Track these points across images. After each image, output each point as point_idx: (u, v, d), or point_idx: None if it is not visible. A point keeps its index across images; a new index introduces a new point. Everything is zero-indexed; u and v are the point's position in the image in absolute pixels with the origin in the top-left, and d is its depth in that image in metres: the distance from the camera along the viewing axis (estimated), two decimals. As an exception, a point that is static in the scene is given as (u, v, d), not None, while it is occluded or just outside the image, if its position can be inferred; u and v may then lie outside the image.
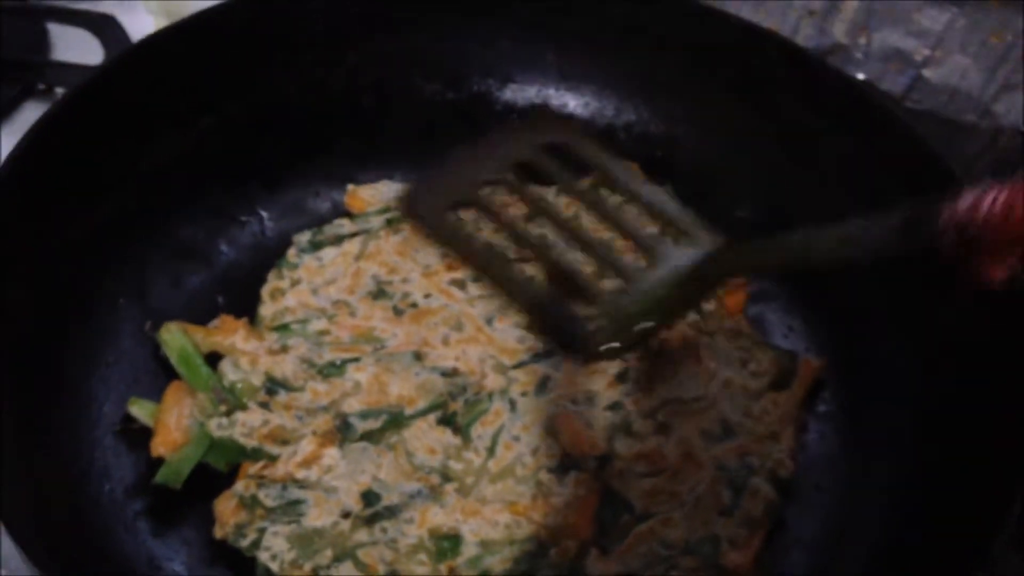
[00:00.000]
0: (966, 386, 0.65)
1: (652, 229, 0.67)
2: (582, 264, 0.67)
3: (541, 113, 0.82)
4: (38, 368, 0.65)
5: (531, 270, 0.67)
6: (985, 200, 0.46)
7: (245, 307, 0.74)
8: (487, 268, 0.67)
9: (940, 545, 0.59)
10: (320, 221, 0.80)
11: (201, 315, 0.73)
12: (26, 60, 0.93)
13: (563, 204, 0.73)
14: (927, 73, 0.84)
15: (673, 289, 0.62)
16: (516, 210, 0.70)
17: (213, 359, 0.71)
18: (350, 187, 0.82)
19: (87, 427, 0.66)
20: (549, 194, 0.73)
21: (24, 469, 0.58)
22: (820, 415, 0.72)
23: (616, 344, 0.62)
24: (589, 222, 0.70)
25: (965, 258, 0.47)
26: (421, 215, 0.68)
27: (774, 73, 0.77)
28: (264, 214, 0.80)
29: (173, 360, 0.70)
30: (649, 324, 0.62)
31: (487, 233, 0.69)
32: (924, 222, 0.48)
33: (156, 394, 0.69)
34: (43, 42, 0.95)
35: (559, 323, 0.64)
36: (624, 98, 0.83)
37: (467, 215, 0.69)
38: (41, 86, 0.92)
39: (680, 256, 0.63)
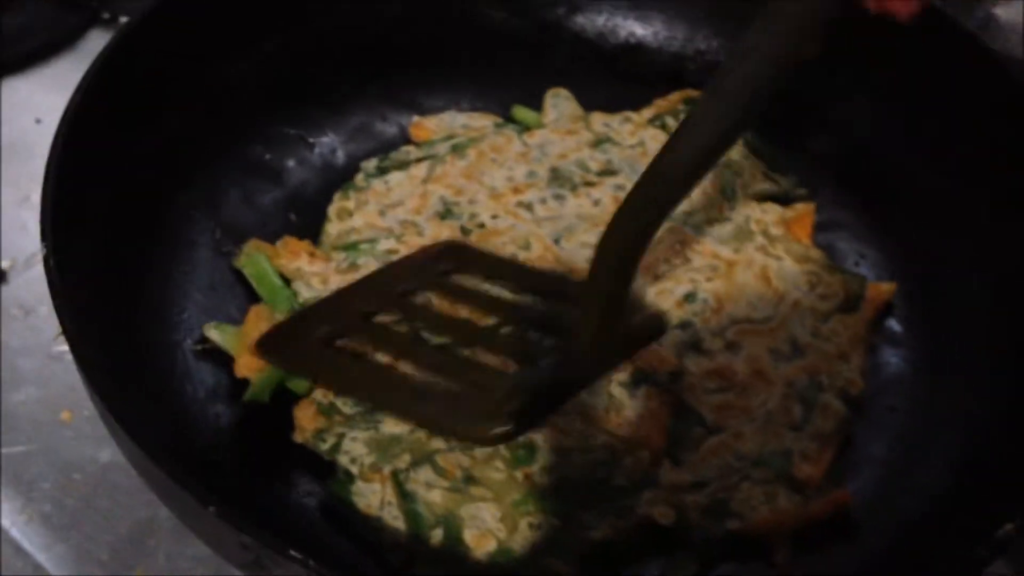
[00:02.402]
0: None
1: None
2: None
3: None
4: (117, 270, 0.66)
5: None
6: None
7: (315, 226, 0.76)
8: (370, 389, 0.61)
9: (1015, 469, 0.59)
10: (387, 145, 0.81)
11: (275, 232, 0.74)
12: (90, -11, 0.94)
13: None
14: (999, 11, 0.84)
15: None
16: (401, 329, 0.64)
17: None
18: (415, 118, 0.82)
19: (168, 331, 0.67)
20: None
21: (111, 357, 0.58)
22: (893, 339, 0.72)
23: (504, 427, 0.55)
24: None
25: None
26: (283, 353, 0.62)
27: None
28: (332, 136, 0.81)
29: (253, 282, 0.71)
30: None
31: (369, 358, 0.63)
32: None
33: (231, 304, 0.70)
34: (107, -30, 0.96)
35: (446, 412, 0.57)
36: (694, 27, 0.83)
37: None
38: (105, 15, 0.93)
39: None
